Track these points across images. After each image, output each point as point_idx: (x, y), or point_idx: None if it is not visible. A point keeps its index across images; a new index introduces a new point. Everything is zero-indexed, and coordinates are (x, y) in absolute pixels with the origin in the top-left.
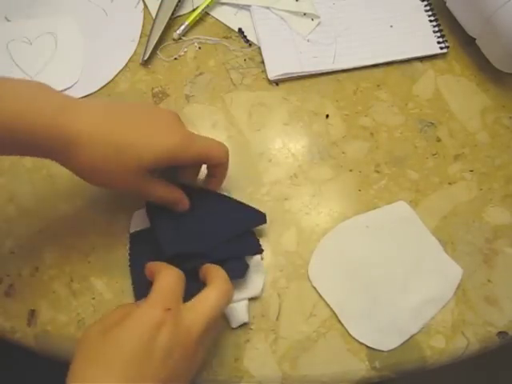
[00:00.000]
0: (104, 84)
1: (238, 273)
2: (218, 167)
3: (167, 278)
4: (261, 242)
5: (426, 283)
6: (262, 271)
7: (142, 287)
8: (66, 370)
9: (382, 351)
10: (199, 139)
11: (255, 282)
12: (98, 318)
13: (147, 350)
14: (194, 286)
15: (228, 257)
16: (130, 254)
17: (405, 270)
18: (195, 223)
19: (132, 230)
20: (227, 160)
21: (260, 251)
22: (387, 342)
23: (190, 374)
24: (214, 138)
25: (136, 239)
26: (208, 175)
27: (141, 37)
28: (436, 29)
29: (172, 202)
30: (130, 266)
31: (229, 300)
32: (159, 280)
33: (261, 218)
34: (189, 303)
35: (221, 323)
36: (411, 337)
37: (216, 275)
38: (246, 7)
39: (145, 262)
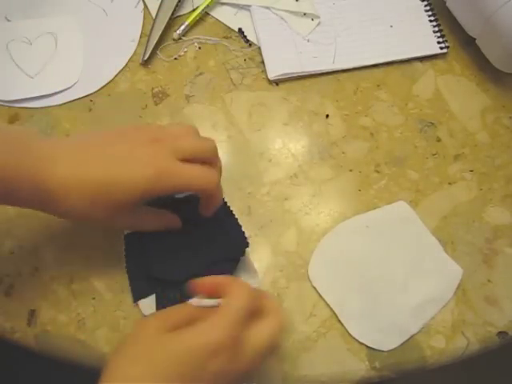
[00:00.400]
0: (104, 84)
1: (226, 271)
2: (205, 197)
3: (243, 298)
4: (261, 242)
5: (426, 283)
6: (253, 274)
7: (140, 288)
8: (66, 370)
9: (382, 351)
10: (182, 168)
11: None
12: (98, 317)
13: (199, 369)
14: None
15: (214, 260)
16: (125, 256)
17: (405, 270)
18: (179, 247)
19: (126, 232)
20: (215, 191)
21: (246, 245)
22: (387, 341)
23: None
24: (214, 138)
25: (130, 240)
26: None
27: (141, 37)
28: (436, 29)
29: (164, 228)
30: (126, 267)
31: (253, 297)
32: (234, 298)
33: (242, 245)
34: (250, 335)
35: None
36: (411, 337)
37: (271, 307)
38: (246, 7)
39: (140, 262)
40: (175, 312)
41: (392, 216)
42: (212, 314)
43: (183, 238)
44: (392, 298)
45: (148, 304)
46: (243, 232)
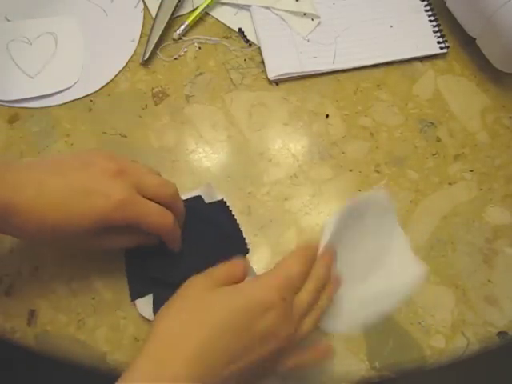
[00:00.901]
0: (104, 84)
1: None
2: (161, 235)
3: (294, 267)
4: (261, 242)
5: (386, 278)
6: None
7: (137, 287)
8: (66, 370)
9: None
10: (142, 201)
11: None
12: (98, 317)
13: (249, 324)
14: None
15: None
16: (124, 255)
17: (368, 261)
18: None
19: None
20: (170, 233)
21: (246, 251)
22: (333, 325)
23: (274, 370)
24: (214, 138)
25: None
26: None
27: (141, 37)
28: (436, 29)
29: (137, 244)
30: (125, 266)
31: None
32: (285, 265)
33: (242, 251)
34: (301, 300)
35: None
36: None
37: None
38: (246, 7)
39: (139, 261)
40: (223, 270)
41: (371, 203)
42: (266, 272)
43: (183, 241)
44: (350, 286)
45: (145, 303)
46: (244, 238)
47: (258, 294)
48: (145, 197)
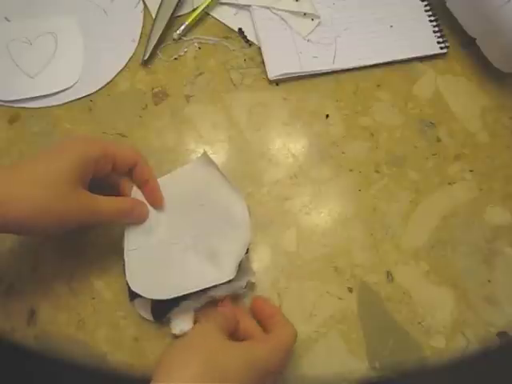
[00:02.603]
0: (104, 84)
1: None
2: (138, 169)
3: (294, 337)
4: (261, 242)
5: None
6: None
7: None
8: (66, 370)
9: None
10: (101, 142)
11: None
12: (98, 317)
13: (255, 380)
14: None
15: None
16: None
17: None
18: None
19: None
20: (141, 159)
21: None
22: (155, 292)
23: None
24: (214, 138)
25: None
26: (140, 185)
27: (141, 37)
28: (436, 29)
29: (126, 212)
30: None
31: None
32: (286, 334)
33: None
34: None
35: None
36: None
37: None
38: (246, 7)
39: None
40: (224, 317)
41: (196, 174)
42: (263, 336)
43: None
44: (178, 254)
45: (144, 303)
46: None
47: (265, 363)
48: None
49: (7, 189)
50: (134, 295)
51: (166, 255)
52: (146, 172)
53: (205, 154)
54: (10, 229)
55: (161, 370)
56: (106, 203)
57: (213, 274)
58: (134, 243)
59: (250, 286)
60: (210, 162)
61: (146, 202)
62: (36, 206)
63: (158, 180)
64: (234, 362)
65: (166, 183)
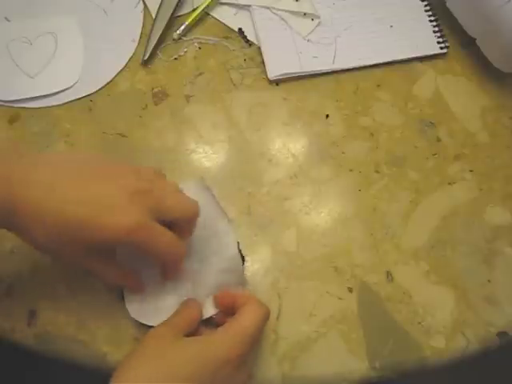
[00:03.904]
0: (104, 84)
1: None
2: (165, 264)
3: (251, 324)
4: (261, 242)
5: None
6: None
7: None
8: (66, 370)
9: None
10: (157, 231)
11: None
12: (98, 317)
13: (208, 375)
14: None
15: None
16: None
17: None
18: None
19: None
20: (177, 264)
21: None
22: (150, 317)
23: None
24: (214, 138)
25: None
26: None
27: (141, 37)
28: (436, 29)
29: (125, 286)
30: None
31: (265, 321)
32: (249, 318)
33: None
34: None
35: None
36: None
37: (249, 299)
38: (246, 7)
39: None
40: (181, 317)
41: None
42: (223, 328)
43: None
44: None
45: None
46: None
47: (218, 352)
48: (161, 217)
49: (34, 217)
50: (121, 295)
51: (159, 281)
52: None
53: (202, 179)
54: (16, 230)
55: (115, 373)
56: (110, 276)
57: (207, 306)
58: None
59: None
60: (206, 189)
61: None
62: (50, 246)
63: None
64: (183, 357)
65: None
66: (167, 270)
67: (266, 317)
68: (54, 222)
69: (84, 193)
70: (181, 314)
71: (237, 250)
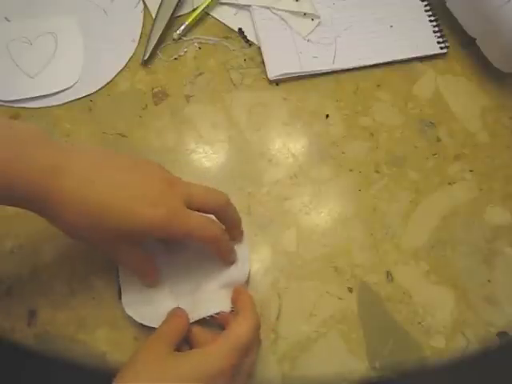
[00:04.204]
0: (104, 84)
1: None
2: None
3: (247, 332)
4: (261, 242)
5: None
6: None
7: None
8: (66, 370)
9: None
10: (189, 215)
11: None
12: (98, 317)
13: None
14: None
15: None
16: None
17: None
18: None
19: None
20: (219, 244)
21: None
22: (148, 318)
23: None
24: (214, 138)
25: None
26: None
27: (141, 37)
28: (436, 29)
29: (140, 274)
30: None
31: (257, 330)
32: (241, 328)
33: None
34: (245, 362)
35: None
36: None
37: (243, 307)
38: (246, 7)
39: None
40: (170, 329)
41: None
42: (214, 339)
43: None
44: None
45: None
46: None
47: (211, 364)
48: (194, 208)
49: (65, 212)
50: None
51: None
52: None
53: None
54: (46, 213)
55: None
56: (133, 261)
57: (212, 304)
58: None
59: None
60: None
61: None
62: (82, 227)
63: None
64: (177, 374)
65: None
66: (216, 253)
67: (258, 326)
68: (88, 212)
69: (116, 184)
70: (170, 325)
71: (247, 266)
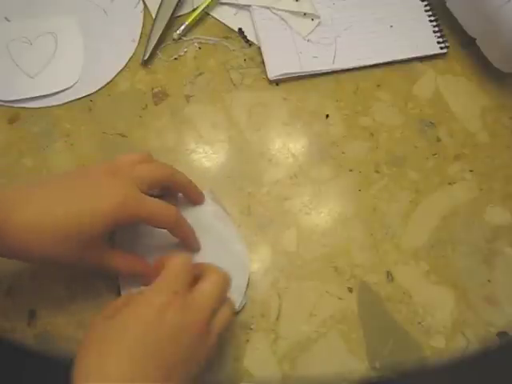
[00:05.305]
0: (104, 84)
1: None
2: (172, 232)
3: (173, 262)
4: (261, 242)
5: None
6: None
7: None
8: (66, 370)
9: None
10: (144, 198)
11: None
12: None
13: (153, 330)
14: None
15: None
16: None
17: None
18: None
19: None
20: (177, 226)
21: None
22: None
23: (201, 359)
24: (214, 138)
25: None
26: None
27: (141, 37)
28: (436, 29)
29: (135, 274)
30: None
31: (228, 282)
32: (166, 267)
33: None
34: (194, 290)
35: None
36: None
37: (210, 268)
38: (246, 7)
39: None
40: (115, 300)
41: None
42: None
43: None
44: None
45: None
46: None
47: (147, 302)
48: (146, 187)
49: (25, 232)
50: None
51: None
52: (179, 235)
53: (211, 191)
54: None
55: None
56: (120, 262)
57: None
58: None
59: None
60: (216, 200)
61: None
62: (50, 253)
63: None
64: (120, 336)
65: None
66: (177, 237)
67: (223, 283)
68: (43, 231)
69: (67, 191)
70: (118, 299)
71: (248, 271)
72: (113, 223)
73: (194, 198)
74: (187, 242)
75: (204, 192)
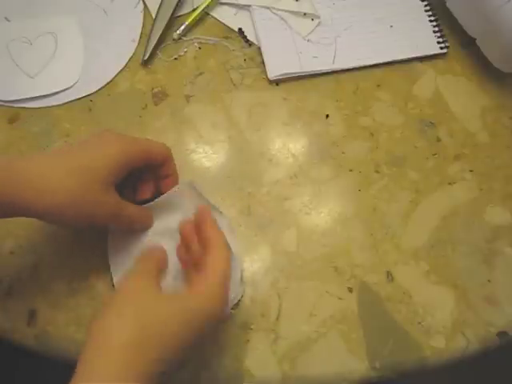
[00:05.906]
0: (104, 84)
1: None
2: (166, 165)
3: (224, 265)
4: (261, 242)
5: None
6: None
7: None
8: (66, 370)
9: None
10: (139, 140)
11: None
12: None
13: (198, 334)
14: None
15: None
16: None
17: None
18: None
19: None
20: (171, 156)
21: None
22: None
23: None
24: (214, 138)
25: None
26: (161, 177)
27: (141, 37)
28: (436, 29)
29: (139, 221)
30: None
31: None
32: (217, 263)
33: None
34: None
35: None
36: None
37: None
38: (246, 7)
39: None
40: (151, 262)
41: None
42: (200, 269)
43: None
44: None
45: None
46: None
47: (206, 308)
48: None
49: (42, 178)
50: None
51: None
52: (171, 168)
53: (190, 181)
54: (39, 216)
55: (94, 336)
56: (133, 211)
57: None
58: (121, 268)
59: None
60: (195, 189)
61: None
62: (67, 200)
63: (144, 206)
64: (169, 320)
65: (152, 210)
66: (165, 171)
67: (229, 256)
68: (76, 175)
69: (75, 147)
70: (150, 260)
71: (241, 261)
72: (123, 163)
73: (171, 174)
74: (175, 180)
75: (185, 183)
